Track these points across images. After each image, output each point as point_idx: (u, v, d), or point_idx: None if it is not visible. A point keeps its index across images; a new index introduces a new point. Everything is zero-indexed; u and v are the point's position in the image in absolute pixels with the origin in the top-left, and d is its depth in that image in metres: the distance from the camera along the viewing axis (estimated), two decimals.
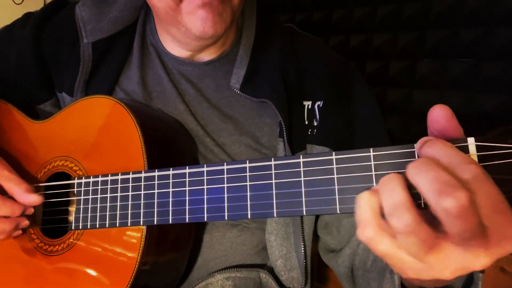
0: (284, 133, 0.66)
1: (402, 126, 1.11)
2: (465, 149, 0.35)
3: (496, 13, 0.92)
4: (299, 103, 0.70)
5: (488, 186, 0.31)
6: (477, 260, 0.33)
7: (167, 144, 0.65)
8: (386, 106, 1.12)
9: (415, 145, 0.37)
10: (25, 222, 0.63)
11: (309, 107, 0.70)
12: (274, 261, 0.70)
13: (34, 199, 0.61)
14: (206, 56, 0.73)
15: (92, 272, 0.61)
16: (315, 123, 0.70)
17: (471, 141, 0.35)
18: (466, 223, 0.31)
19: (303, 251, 0.68)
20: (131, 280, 0.57)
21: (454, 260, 0.33)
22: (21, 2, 1.74)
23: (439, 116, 0.36)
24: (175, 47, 0.73)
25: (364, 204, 0.36)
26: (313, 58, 0.74)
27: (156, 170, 0.54)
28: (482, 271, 0.48)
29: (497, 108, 0.93)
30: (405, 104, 1.10)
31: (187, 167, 0.51)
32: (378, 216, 0.36)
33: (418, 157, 0.37)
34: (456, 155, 0.33)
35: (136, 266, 0.57)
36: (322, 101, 0.70)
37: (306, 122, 0.70)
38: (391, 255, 0.36)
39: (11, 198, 0.62)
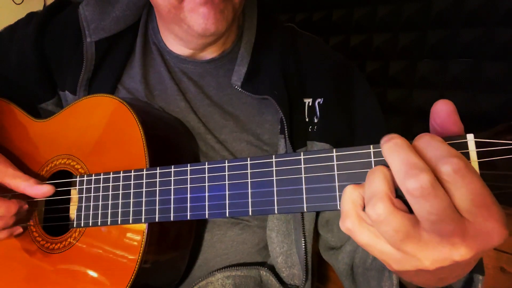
0: (285, 130, 0.66)
1: (402, 126, 1.11)
2: (464, 145, 0.35)
3: (496, 13, 0.92)
4: (299, 100, 0.70)
5: (470, 179, 0.32)
6: (455, 250, 0.33)
7: (169, 143, 0.66)
8: (386, 106, 1.13)
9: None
10: (25, 218, 0.64)
11: (310, 104, 0.71)
12: (275, 258, 0.70)
13: (45, 189, 0.62)
14: (208, 54, 0.74)
15: (93, 270, 0.61)
16: (316, 120, 0.70)
17: (470, 137, 0.35)
18: (429, 205, 0.32)
19: (303, 247, 0.68)
20: (132, 278, 0.57)
21: (433, 250, 0.33)
22: (21, 2, 1.75)
23: (441, 109, 0.36)
24: (177, 46, 0.73)
25: (346, 196, 0.38)
26: (314, 57, 0.75)
27: (158, 168, 0.54)
28: (482, 274, 0.48)
29: (497, 108, 0.93)
30: (405, 104, 1.10)
31: (189, 165, 0.52)
32: (359, 208, 0.37)
33: None
34: (441, 147, 0.33)
35: (137, 264, 0.57)
36: (322, 99, 0.71)
37: (307, 119, 0.70)
38: (371, 245, 0.37)
39: (5, 195, 0.62)
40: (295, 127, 0.68)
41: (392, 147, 0.34)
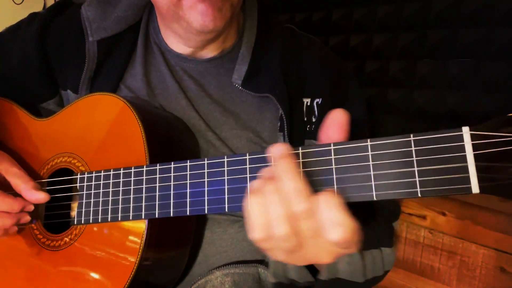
0: (285, 127, 0.67)
1: (402, 126, 1.11)
2: (459, 138, 0.35)
3: (496, 13, 0.92)
4: (299, 100, 0.71)
5: (309, 217, 0.40)
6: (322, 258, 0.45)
7: (169, 141, 0.66)
8: (386, 106, 1.13)
9: (272, 148, 0.43)
10: (26, 218, 0.64)
11: (308, 104, 0.72)
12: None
13: (40, 196, 0.62)
14: (208, 53, 0.75)
15: (93, 267, 0.61)
16: (314, 120, 0.71)
17: (465, 130, 0.35)
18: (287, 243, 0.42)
19: None
20: (131, 275, 0.57)
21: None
22: (21, 2, 1.74)
23: (338, 120, 0.42)
24: (177, 44, 0.74)
25: (256, 210, 0.44)
26: (313, 57, 0.76)
27: (158, 164, 0.55)
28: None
29: (497, 108, 0.93)
30: (405, 104, 1.10)
31: (188, 161, 0.52)
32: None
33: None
34: (293, 190, 0.41)
35: (137, 261, 0.57)
36: (321, 99, 0.72)
37: (305, 119, 0.71)
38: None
39: (12, 193, 0.63)
40: (294, 125, 0.69)
41: (266, 196, 0.43)
